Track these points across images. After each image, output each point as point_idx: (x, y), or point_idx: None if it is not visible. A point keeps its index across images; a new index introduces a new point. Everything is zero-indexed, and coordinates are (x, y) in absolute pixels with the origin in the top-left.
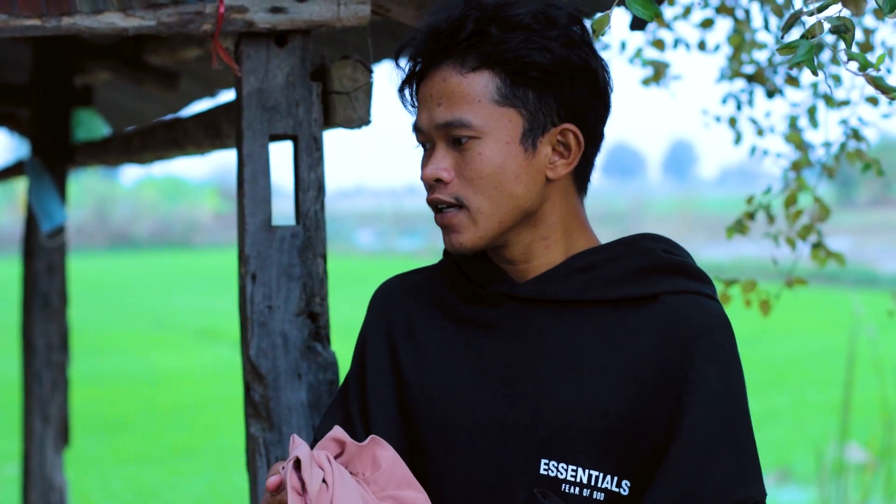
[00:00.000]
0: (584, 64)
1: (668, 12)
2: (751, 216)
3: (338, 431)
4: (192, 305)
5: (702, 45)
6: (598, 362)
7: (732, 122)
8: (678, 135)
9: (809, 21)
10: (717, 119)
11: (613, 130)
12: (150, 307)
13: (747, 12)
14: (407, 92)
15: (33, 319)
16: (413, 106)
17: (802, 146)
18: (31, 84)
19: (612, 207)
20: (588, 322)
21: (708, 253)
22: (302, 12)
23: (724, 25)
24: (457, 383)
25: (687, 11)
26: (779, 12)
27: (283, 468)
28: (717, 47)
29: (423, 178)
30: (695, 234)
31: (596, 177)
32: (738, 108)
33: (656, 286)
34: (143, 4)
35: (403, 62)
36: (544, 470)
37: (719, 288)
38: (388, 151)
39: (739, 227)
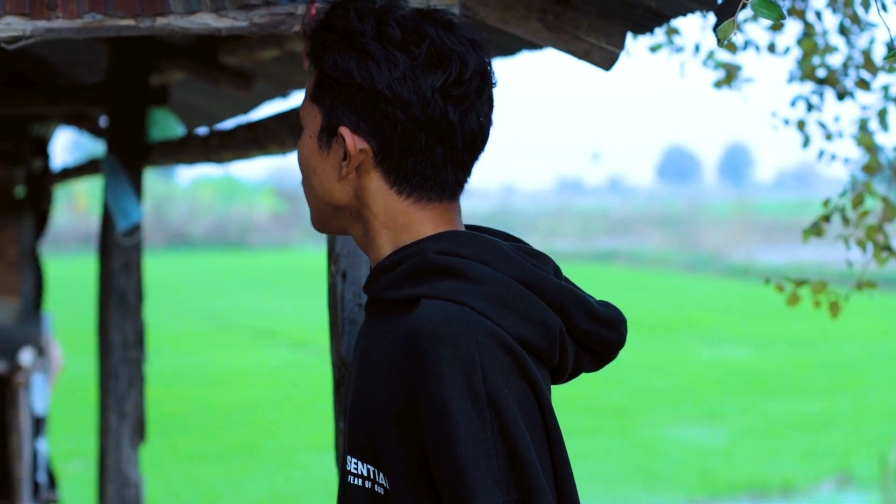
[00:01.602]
0: (368, 78)
1: (738, 15)
2: (826, 219)
3: None
4: (248, 306)
5: (771, 48)
6: (373, 363)
7: (801, 125)
8: (734, 138)
9: None
10: (786, 122)
11: (668, 133)
12: (206, 307)
13: (818, 14)
14: None
15: (109, 316)
16: None
17: (873, 149)
18: (107, 83)
19: (668, 210)
20: (384, 323)
21: (765, 256)
22: None
23: (794, 28)
24: None
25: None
26: (855, 20)
27: None
28: (786, 50)
29: None
30: (751, 238)
31: (651, 179)
32: (809, 110)
33: (417, 289)
34: (236, 5)
35: None
36: (346, 463)
37: (788, 288)
38: None
39: (816, 230)
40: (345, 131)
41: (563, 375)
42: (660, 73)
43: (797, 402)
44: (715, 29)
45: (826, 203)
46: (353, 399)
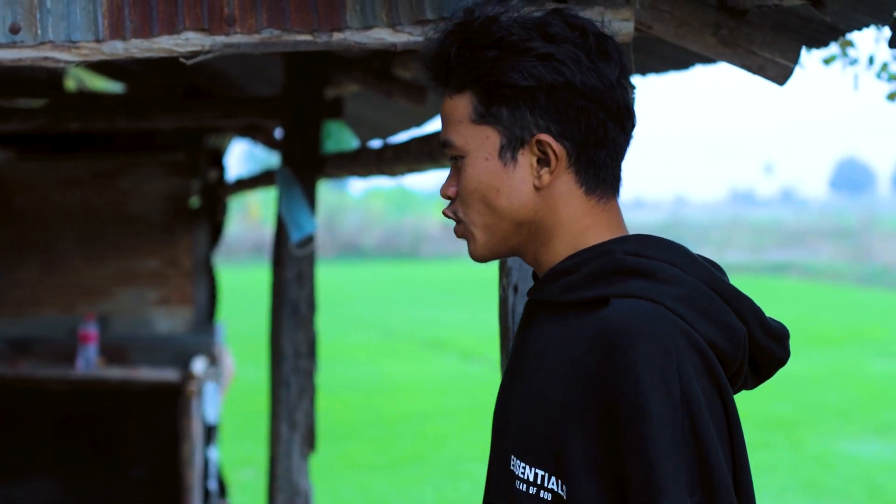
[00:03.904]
0: (560, 76)
1: None
2: None
3: None
4: (419, 316)
5: None
6: (552, 364)
7: None
8: None
9: None
10: None
11: (842, 144)
12: (377, 317)
13: None
14: None
15: (281, 327)
16: None
17: None
18: (282, 96)
19: (841, 223)
20: (561, 324)
21: None
22: None
23: None
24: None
25: None
26: None
27: None
28: None
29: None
30: None
31: (824, 191)
32: None
33: (607, 289)
34: (412, 21)
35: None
36: (512, 466)
37: None
38: None
39: None
40: (546, 137)
41: (735, 386)
42: (834, 84)
43: None
44: (891, 42)
45: None
46: (526, 401)
